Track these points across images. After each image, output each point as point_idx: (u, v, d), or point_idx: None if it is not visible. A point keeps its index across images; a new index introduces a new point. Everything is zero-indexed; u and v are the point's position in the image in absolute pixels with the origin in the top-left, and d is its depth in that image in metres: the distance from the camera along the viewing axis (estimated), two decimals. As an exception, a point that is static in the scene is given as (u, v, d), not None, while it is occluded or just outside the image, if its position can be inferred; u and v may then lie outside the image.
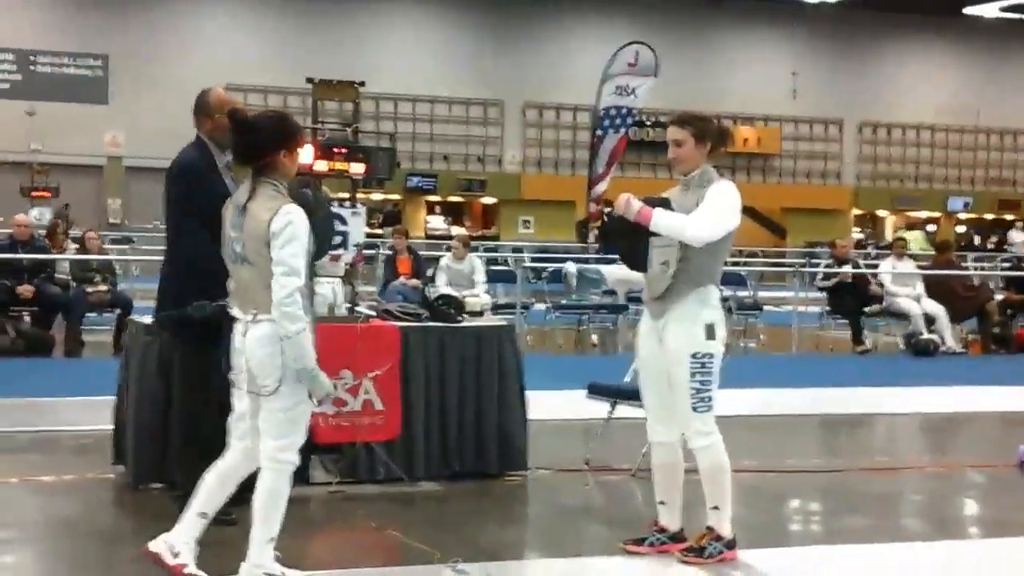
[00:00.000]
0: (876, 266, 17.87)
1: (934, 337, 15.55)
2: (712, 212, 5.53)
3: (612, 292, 15.57)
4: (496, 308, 14.46)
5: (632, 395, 7.82)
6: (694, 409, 5.58)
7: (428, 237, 31.20)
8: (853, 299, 16.16)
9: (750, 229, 33.09)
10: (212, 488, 5.05)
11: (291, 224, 4.79)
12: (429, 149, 33.82)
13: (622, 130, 26.57)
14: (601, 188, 26.54)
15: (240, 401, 5.05)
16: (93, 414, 8.23)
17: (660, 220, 5.50)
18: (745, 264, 21.46)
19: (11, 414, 9.07)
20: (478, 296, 13.41)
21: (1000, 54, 37.40)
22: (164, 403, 6.66)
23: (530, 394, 7.69)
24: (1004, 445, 8.89)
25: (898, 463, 8.63)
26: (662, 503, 5.87)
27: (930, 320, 15.74)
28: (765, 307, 17.33)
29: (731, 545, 5.69)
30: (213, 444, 5.22)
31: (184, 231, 5.96)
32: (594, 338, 16.07)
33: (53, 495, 6.88)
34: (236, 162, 5.27)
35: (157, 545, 5.03)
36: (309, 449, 6.90)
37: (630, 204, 5.53)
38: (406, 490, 7.04)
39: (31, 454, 7.93)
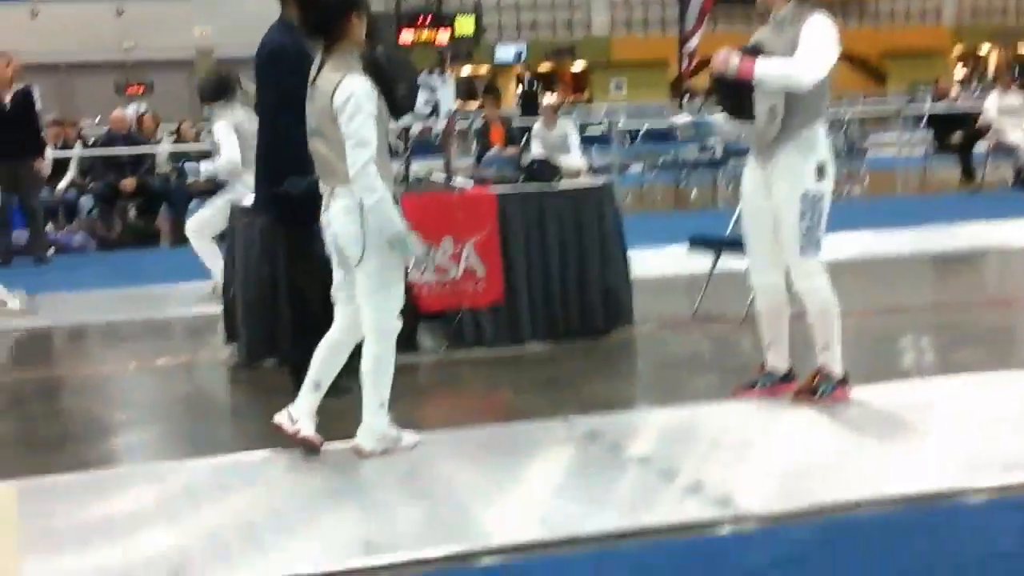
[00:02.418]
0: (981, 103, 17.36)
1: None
2: (814, 50, 5.34)
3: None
4: (592, 171, 14.35)
5: (735, 245, 7.76)
6: (802, 251, 5.49)
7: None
8: (960, 135, 15.73)
9: (847, 76, 32.33)
10: (324, 358, 5.13)
11: (353, 96, 4.77)
12: (516, 18, 33.39)
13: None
14: (693, 44, 26.09)
15: (337, 271, 5.11)
16: (204, 297, 8.37)
17: (763, 71, 5.32)
18: (847, 109, 20.95)
19: (124, 303, 9.28)
20: (573, 159, 13.31)
21: None
22: (270, 281, 6.77)
23: (632, 253, 7.66)
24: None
25: (1011, 297, 8.46)
26: (769, 345, 5.84)
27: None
28: (869, 151, 16.98)
29: (843, 383, 5.65)
30: (321, 318, 5.29)
31: (277, 114, 5.96)
32: (693, 194, 15.91)
33: (170, 378, 7.06)
34: (308, 36, 5.22)
35: (280, 416, 5.15)
36: (415, 318, 7.01)
37: (728, 61, 5.37)
38: (515, 353, 7.09)
39: (146, 340, 8.12)
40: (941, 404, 5.60)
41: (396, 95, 5.02)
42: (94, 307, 9.11)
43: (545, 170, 7.67)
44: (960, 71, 34.55)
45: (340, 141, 4.82)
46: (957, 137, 15.89)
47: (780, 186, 5.49)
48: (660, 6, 33.52)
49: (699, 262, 8.13)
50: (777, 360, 5.84)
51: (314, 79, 4.96)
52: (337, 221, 4.94)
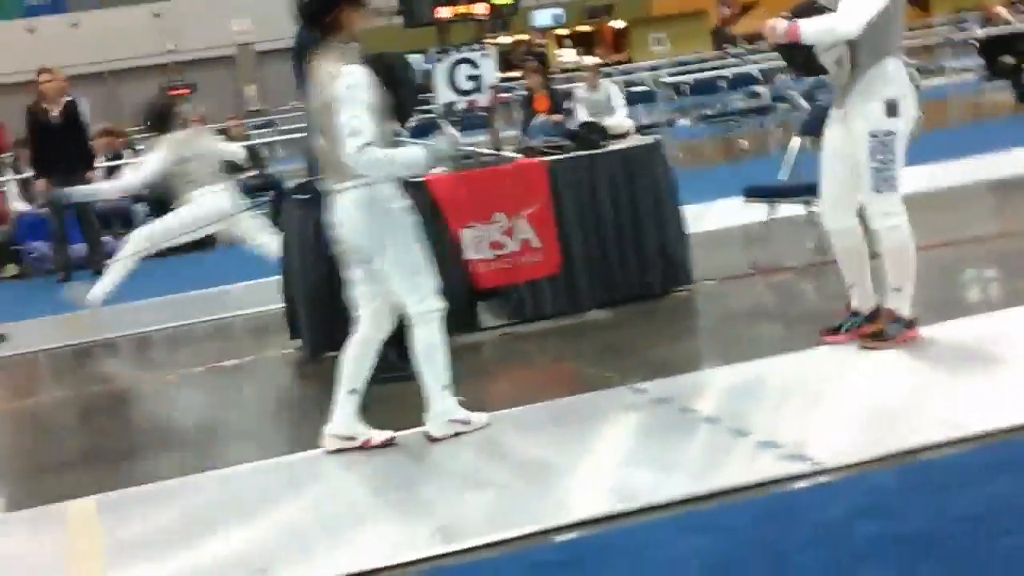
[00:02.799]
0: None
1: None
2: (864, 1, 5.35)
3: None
4: (640, 129, 14.25)
5: (790, 192, 7.69)
6: (876, 190, 5.46)
7: (562, 72, 30.85)
8: (1011, 57, 15.43)
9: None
10: (355, 358, 5.09)
11: (350, 86, 4.74)
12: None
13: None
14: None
15: (355, 270, 5.08)
16: (263, 296, 8.44)
17: (808, 31, 5.39)
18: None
19: (186, 307, 9.36)
20: (618, 120, 13.21)
21: None
22: (328, 273, 6.77)
23: (687, 209, 7.59)
24: None
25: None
26: (851, 287, 5.78)
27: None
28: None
29: (912, 324, 5.57)
30: None
31: None
32: (743, 144, 15.76)
33: (238, 377, 7.11)
34: (302, 24, 5.19)
35: (330, 443, 5.11)
36: (475, 296, 7.00)
37: (775, 30, 5.44)
38: (576, 322, 7.05)
39: (211, 342, 8.19)
40: (1012, 337, 5.50)
41: (402, 96, 5.02)
42: (157, 314, 9.19)
43: (592, 133, 7.61)
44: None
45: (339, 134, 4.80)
46: (1008, 59, 15.57)
47: (853, 126, 5.50)
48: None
49: (755, 212, 8.05)
50: (861, 301, 5.77)
51: (308, 74, 4.93)
52: (347, 216, 4.92)
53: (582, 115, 14.18)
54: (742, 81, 16.89)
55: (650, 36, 33.34)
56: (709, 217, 9.19)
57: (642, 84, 18.69)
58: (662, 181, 7.42)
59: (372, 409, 5.16)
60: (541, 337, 6.90)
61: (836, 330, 5.76)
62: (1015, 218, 8.95)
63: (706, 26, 28.84)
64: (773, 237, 7.94)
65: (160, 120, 9.08)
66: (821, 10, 5.43)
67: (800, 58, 5.68)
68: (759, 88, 16.32)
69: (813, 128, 8.13)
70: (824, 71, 5.62)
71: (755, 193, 7.90)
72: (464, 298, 6.90)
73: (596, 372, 5.89)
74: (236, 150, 9.71)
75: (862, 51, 5.40)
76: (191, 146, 8.82)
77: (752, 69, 17.41)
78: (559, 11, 32.64)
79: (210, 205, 8.60)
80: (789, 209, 7.82)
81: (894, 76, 5.44)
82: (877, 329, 5.59)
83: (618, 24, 34.04)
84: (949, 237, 7.92)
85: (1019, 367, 5.04)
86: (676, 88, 17.50)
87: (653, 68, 22.59)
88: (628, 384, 5.48)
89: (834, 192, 5.69)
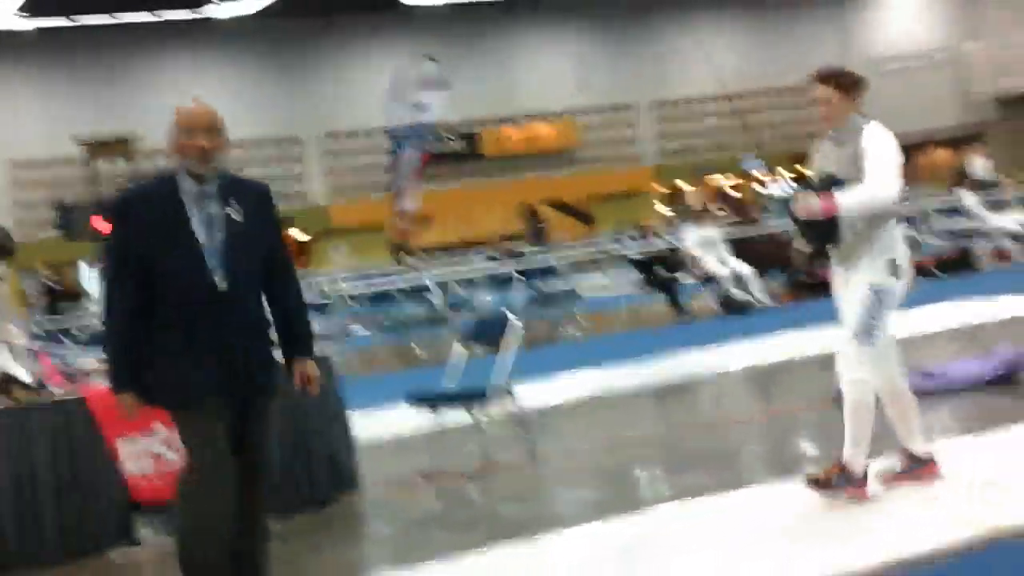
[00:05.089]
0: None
1: (746, 295, 15.93)
2: (885, 163, 5.61)
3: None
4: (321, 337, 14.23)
5: (453, 397, 7.80)
6: (856, 337, 5.67)
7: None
8: (666, 270, 16.45)
9: (558, 221, 33.48)
10: None
11: None
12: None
13: (422, 146, 26.68)
14: (409, 205, 26.57)
15: None
16: None
17: (848, 203, 5.57)
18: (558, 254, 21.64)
19: None
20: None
21: (779, 13, 38.53)
22: None
23: (357, 415, 7.57)
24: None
25: (729, 416, 8.78)
26: (854, 441, 5.79)
27: (740, 279, 16.11)
28: (585, 293, 17.53)
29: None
30: None
31: None
32: (418, 351, 15.98)
33: None
34: None
35: None
36: (131, 509, 6.70)
37: (811, 207, 5.62)
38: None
39: None
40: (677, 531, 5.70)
41: None
42: None
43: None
44: (664, 209, 36.16)
45: None
46: (661, 273, 16.57)
47: (854, 279, 5.72)
48: (377, 171, 34.05)
49: (425, 419, 8.10)
50: (856, 458, 5.80)
51: None
52: None
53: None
54: (417, 291, 17.23)
55: (331, 248, 33.71)
56: (381, 423, 9.19)
57: (320, 293, 18.76)
58: (331, 391, 7.39)
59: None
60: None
61: (826, 482, 5.81)
62: (673, 417, 9.39)
63: (384, 237, 29.42)
64: (439, 443, 7.98)
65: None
66: (831, 183, 5.65)
67: (826, 233, 5.74)
68: (431, 296, 16.74)
69: (477, 335, 8.38)
70: (839, 243, 5.76)
71: (418, 398, 7.91)
72: (123, 512, 6.61)
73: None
74: None
75: (874, 217, 5.66)
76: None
77: (427, 279, 17.82)
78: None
79: None
80: (455, 415, 7.91)
81: (898, 239, 5.78)
82: (827, 476, 5.77)
83: (300, 235, 34.29)
84: (620, 436, 8.21)
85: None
86: (353, 297, 17.68)
87: (331, 279, 22.76)
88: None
89: (847, 347, 5.80)
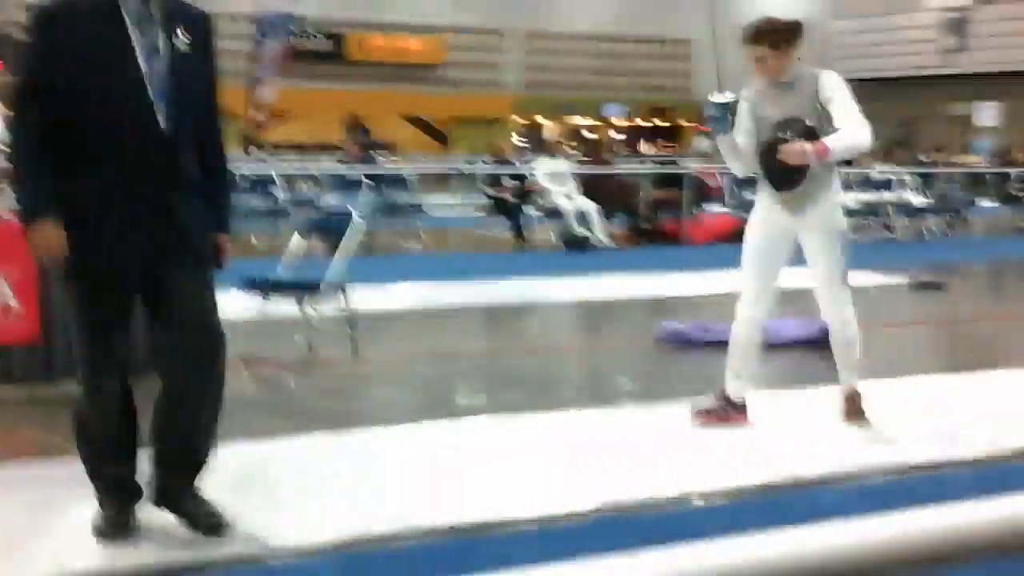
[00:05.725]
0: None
1: (587, 232, 16.17)
2: (853, 109, 5.77)
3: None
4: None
5: (286, 287, 7.77)
6: (842, 281, 5.90)
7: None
8: (513, 197, 16.57)
9: (414, 137, 33.34)
10: None
11: None
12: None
13: (286, 38, 26.16)
14: (266, 95, 26.09)
15: None
16: None
17: (838, 148, 5.74)
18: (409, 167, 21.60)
19: None
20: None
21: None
22: None
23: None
24: (647, 327, 9.35)
25: (554, 344, 8.96)
26: (737, 375, 6.04)
27: (584, 216, 16.32)
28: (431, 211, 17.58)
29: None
30: None
31: None
32: (255, 241, 15.81)
33: None
34: None
35: None
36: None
37: (807, 154, 5.68)
38: (48, 392, 6.71)
39: None
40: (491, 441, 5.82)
41: None
42: None
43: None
44: (519, 140, 36.24)
45: None
46: (507, 199, 16.68)
47: (818, 228, 5.86)
48: (231, 56, 33.24)
49: (251, 306, 8.04)
50: (740, 390, 6.05)
51: None
52: None
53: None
54: (262, 184, 17.00)
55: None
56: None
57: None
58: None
59: None
60: (8, 404, 6.52)
61: (709, 412, 6.05)
62: (500, 339, 9.52)
63: (236, 127, 28.84)
64: (264, 331, 7.94)
65: None
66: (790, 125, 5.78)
67: (796, 176, 5.82)
68: (275, 189, 16.57)
69: (318, 228, 8.35)
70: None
71: (250, 283, 7.85)
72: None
73: (62, 441, 5.62)
74: None
75: (824, 163, 5.79)
76: None
77: (273, 172, 17.60)
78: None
79: None
80: (285, 306, 7.88)
81: (838, 180, 6.01)
82: (858, 406, 6.01)
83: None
84: (444, 350, 8.30)
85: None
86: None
87: None
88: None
89: (760, 285, 5.97)
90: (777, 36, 5.87)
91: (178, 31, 4.12)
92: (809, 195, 5.89)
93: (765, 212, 6.04)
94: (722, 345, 6.26)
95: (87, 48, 4.02)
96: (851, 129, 5.77)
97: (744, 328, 6.05)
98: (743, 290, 6.09)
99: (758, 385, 6.23)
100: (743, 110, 5.96)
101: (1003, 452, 5.65)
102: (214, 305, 4.37)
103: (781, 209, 5.98)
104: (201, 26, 4.27)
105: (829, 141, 5.72)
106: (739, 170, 6.20)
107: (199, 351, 4.33)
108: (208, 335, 4.33)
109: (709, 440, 5.82)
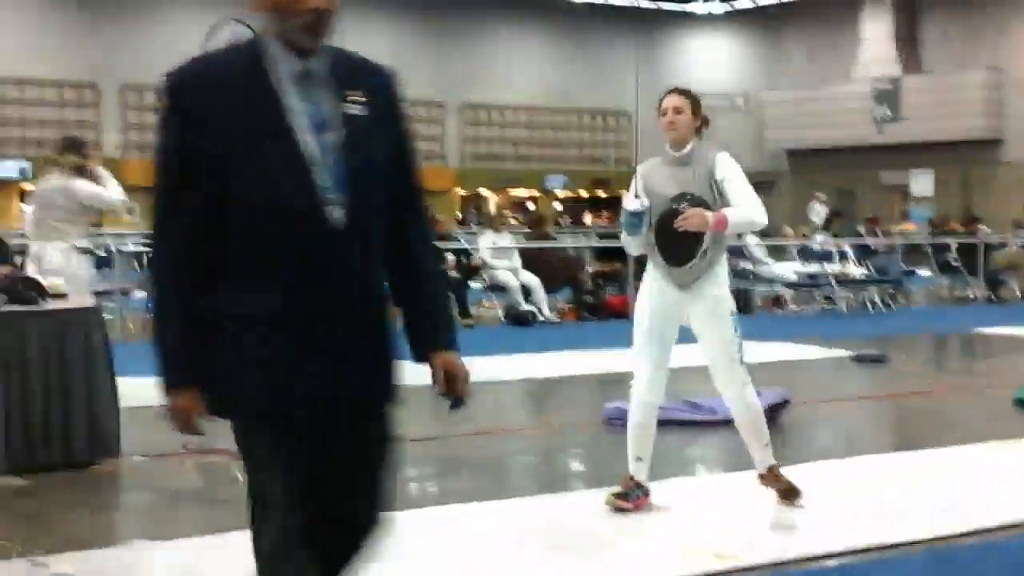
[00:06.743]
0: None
1: (532, 308, 16.19)
2: (749, 191, 5.89)
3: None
4: (98, 295, 13.79)
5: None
6: (741, 362, 5.95)
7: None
8: (458, 273, 16.58)
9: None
10: None
11: None
12: (21, 134, 31.99)
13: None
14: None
15: None
16: None
17: (734, 220, 5.81)
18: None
19: None
20: (59, 279, 12.72)
21: (590, 38, 39.18)
22: None
23: (127, 381, 7.39)
24: (594, 404, 9.34)
25: (501, 427, 8.90)
26: (640, 460, 6.05)
27: (528, 291, 16.36)
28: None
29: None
30: None
31: None
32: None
33: None
34: None
35: None
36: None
37: (706, 220, 5.74)
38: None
39: None
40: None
41: None
42: None
43: (29, 289, 7.30)
44: (457, 214, 36.31)
45: None
46: (451, 275, 16.71)
47: (711, 305, 5.92)
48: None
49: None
50: (644, 474, 6.06)
51: None
52: None
53: (32, 270, 13.55)
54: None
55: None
56: (149, 392, 8.97)
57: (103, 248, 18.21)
58: (98, 348, 7.21)
59: None
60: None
61: (625, 496, 6.01)
62: (445, 420, 9.44)
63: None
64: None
65: None
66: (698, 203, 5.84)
67: (687, 249, 5.87)
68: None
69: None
70: (688, 262, 5.91)
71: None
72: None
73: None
74: None
75: (717, 244, 5.93)
76: None
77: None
78: (27, 164, 31.47)
79: None
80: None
81: (726, 265, 6.08)
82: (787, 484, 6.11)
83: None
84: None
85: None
86: (138, 259, 17.22)
87: (120, 236, 22.08)
88: (28, 556, 5.14)
89: (656, 366, 5.99)
90: (697, 102, 6.03)
91: (352, 91, 3.14)
92: (704, 276, 5.97)
93: (655, 291, 6.08)
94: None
95: (230, 123, 2.99)
96: (750, 207, 5.89)
97: (642, 412, 6.08)
98: (637, 372, 6.11)
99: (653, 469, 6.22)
100: (639, 186, 6.03)
101: (949, 533, 5.68)
102: (392, 486, 3.31)
103: (670, 287, 6.03)
104: (382, 85, 3.26)
105: (727, 212, 5.84)
106: (634, 249, 6.25)
107: (341, 553, 3.24)
108: (363, 536, 3.27)
109: (656, 525, 5.80)
